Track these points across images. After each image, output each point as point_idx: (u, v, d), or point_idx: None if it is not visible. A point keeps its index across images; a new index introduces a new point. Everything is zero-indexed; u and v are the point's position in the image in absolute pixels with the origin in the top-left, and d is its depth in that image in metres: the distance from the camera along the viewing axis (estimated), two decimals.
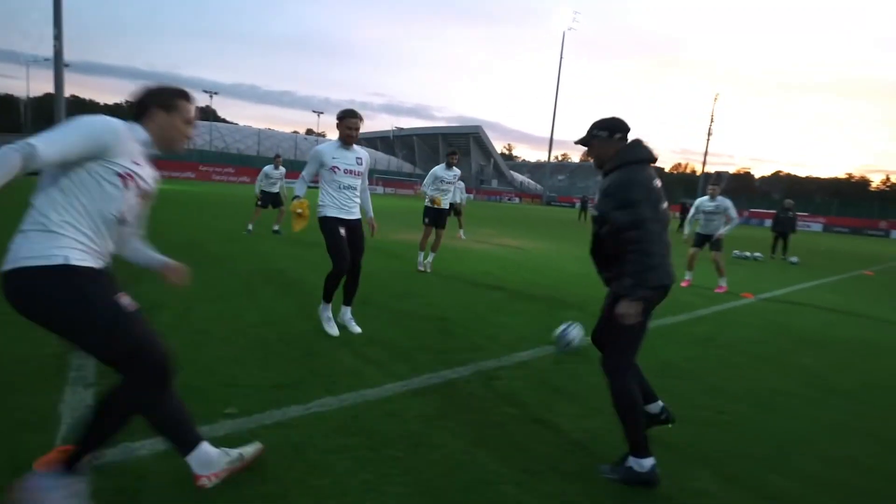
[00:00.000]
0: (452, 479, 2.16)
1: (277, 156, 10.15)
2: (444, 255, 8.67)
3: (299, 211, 3.87)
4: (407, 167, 76.87)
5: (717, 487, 2.29)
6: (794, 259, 12.93)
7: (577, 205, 38.03)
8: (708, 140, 62.05)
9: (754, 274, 10.06)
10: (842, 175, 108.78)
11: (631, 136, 2.37)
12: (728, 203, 7.43)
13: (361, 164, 4.00)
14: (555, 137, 63.69)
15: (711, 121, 61.89)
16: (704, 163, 65.38)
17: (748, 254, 13.26)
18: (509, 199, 63.24)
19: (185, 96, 1.83)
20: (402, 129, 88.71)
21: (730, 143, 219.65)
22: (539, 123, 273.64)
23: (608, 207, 2.22)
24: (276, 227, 10.07)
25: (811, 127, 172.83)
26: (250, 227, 9.88)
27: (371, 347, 3.70)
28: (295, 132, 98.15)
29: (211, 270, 5.98)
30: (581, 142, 2.42)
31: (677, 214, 21.58)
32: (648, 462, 2.23)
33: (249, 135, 78.65)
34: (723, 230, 7.41)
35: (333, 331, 3.95)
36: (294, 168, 55.56)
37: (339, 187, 3.91)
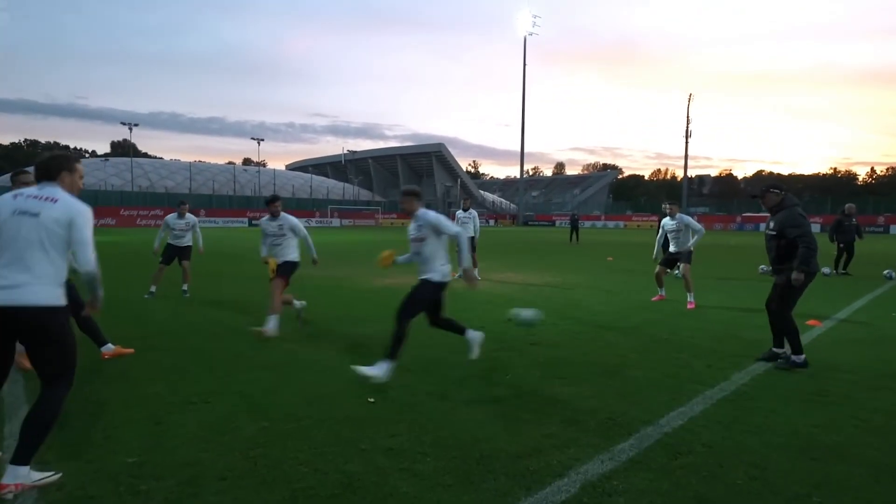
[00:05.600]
0: None
1: (182, 202, 9.70)
2: (466, 304, 8.09)
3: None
4: (365, 194, 76.43)
5: None
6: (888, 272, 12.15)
7: (566, 223, 38.03)
8: (686, 143, 64.09)
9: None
10: (826, 171, 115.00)
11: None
12: (688, 219, 8.64)
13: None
14: (525, 150, 64.48)
15: (688, 122, 63.89)
16: (686, 167, 67.60)
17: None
18: (486, 222, 63.49)
19: (77, 160, 2.96)
20: (354, 152, 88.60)
21: (705, 145, 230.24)
22: (503, 136, 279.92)
23: (784, 227, 4.99)
24: (184, 287, 9.23)
25: (781, 122, 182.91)
26: (153, 289, 8.96)
27: (424, 462, 3.07)
28: (230, 163, 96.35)
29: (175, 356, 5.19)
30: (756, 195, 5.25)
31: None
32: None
33: (178, 170, 76.60)
34: (691, 242, 8.64)
35: None
36: (235, 206, 52.63)
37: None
